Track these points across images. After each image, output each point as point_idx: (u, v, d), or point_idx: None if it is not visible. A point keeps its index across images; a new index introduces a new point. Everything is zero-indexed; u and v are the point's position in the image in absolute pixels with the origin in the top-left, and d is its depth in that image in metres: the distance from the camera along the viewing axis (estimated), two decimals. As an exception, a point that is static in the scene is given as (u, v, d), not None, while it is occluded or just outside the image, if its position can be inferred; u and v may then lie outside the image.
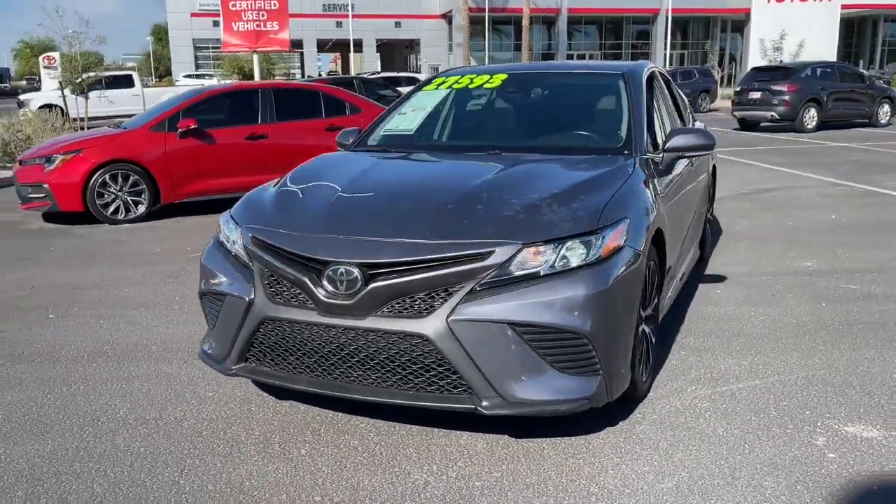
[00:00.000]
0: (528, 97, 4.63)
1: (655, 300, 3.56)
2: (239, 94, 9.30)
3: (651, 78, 4.65)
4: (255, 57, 14.27)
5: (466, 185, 3.30)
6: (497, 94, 4.57)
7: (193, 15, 49.40)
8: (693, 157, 3.92)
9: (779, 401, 3.38)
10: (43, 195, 8.04)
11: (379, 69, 63.22)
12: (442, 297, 2.76)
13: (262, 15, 13.21)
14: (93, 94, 23.63)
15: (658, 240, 3.48)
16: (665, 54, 43.82)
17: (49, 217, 8.50)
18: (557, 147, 3.98)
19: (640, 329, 3.30)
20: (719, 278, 5.46)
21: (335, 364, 2.90)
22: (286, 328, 2.95)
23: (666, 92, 4.84)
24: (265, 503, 2.63)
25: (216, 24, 51.97)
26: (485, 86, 4.50)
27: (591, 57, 51.34)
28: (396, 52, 62.33)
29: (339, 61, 70.14)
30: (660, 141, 4.07)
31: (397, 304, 2.79)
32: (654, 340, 3.57)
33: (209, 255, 3.36)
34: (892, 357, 3.88)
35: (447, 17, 50.56)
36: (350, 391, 2.91)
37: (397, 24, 51.61)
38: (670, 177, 3.96)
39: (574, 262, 2.82)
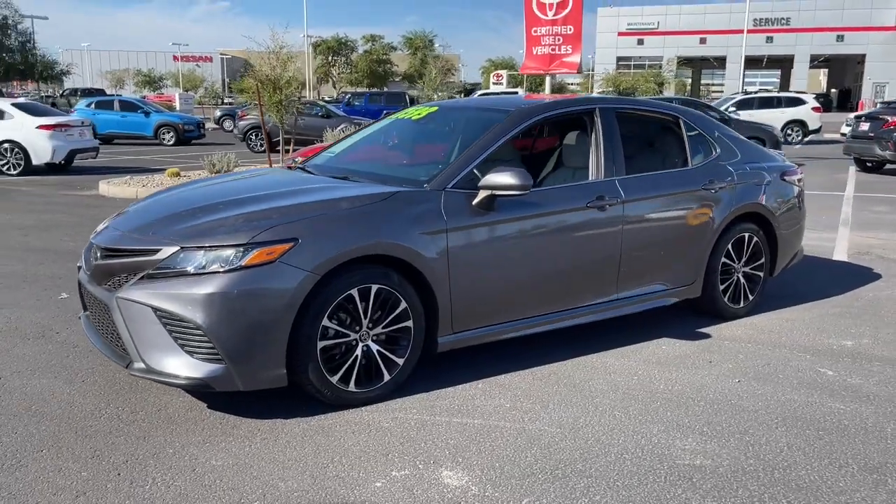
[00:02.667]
0: (427, 131, 4.95)
1: (408, 324, 3.83)
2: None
3: (567, 117, 4.61)
4: (548, 79, 15.25)
5: (221, 199, 4.07)
6: (408, 126, 4.99)
7: (620, 34, 51.65)
8: (505, 196, 3.94)
9: (457, 440, 3.43)
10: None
11: (824, 87, 57.70)
12: (126, 280, 3.66)
13: (558, 39, 14.08)
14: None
15: (405, 266, 3.77)
16: None
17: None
18: (384, 176, 4.34)
19: (357, 344, 3.72)
20: (699, 335, 4.97)
21: (98, 319, 3.99)
22: (82, 289, 4.14)
23: (609, 134, 4.58)
24: (14, 408, 3.87)
25: (640, 42, 53.83)
26: (412, 118, 4.98)
27: None
28: (847, 68, 56.14)
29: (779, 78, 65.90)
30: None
31: (111, 279, 3.76)
32: (399, 360, 3.84)
33: None
34: (670, 441, 3.45)
35: (905, 29, 44.03)
36: (101, 341, 3.95)
37: (839, 38, 46.52)
38: (494, 213, 4.02)
39: (215, 267, 3.46)
